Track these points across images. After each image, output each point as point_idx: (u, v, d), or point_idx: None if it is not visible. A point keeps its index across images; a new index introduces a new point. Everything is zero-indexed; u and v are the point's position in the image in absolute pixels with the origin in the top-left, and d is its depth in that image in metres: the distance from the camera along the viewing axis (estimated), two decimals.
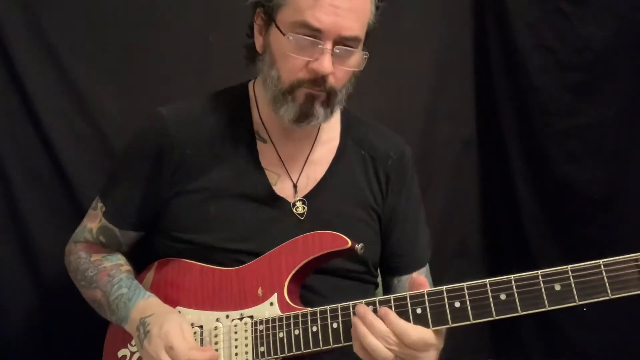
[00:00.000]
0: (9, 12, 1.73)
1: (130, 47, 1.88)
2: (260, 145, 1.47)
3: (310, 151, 1.49)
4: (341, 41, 1.31)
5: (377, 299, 1.24)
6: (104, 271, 1.47)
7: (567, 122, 2.16)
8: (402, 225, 1.55)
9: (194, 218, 1.43)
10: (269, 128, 1.47)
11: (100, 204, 1.51)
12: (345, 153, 1.52)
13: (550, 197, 2.21)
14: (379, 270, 1.59)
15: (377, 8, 1.38)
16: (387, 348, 1.18)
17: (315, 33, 1.30)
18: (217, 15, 1.93)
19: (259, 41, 1.41)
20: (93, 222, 1.52)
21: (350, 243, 1.31)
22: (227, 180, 1.43)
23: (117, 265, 1.49)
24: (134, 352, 1.42)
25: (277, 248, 1.37)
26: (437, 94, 2.25)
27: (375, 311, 1.22)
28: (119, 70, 1.87)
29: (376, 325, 1.20)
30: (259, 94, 1.47)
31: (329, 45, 1.30)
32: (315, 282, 1.41)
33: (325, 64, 1.30)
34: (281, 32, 1.32)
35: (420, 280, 1.27)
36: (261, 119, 1.47)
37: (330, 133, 1.52)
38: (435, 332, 1.20)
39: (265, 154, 1.47)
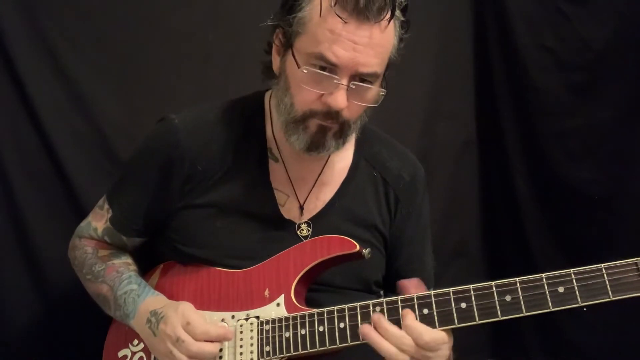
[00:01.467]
0: (9, 12, 1.73)
1: (131, 47, 1.87)
2: (271, 164, 1.45)
3: (321, 172, 1.47)
4: (358, 76, 1.27)
5: (384, 299, 1.26)
6: (112, 267, 1.46)
7: (567, 122, 2.16)
8: (409, 248, 1.54)
9: (199, 232, 1.42)
10: (281, 147, 1.44)
11: (107, 206, 1.50)
12: (356, 173, 1.49)
13: (550, 197, 2.21)
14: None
15: (400, 40, 1.33)
16: (401, 351, 1.20)
17: (331, 67, 1.26)
18: (217, 15, 1.93)
19: (275, 61, 1.36)
20: (99, 222, 1.51)
21: (358, 247, 1.32)
22: (236, 198, 1.42)
23: (125, 263, 1.49)
24: (135, 352, 1.42)
25: (285, 251, 1.38)
26: (437, 94, 2.26)
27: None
28: (119, 70, 1.87)
29: (390, 330, 1.21)
30: (274, 110, 1.43)
31: (344, 81, 1.26)
32: (316, 297, 1.40)
33: (340, 99, 1.26)
34: (297, 62, 1.28)
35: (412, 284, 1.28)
36: (274, 137, 1.44)
37: (342, 152, 1.47)
38: (446, 331, 1.22)
39: (276, 173, 1.45)
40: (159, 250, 1.51)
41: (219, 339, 1.31)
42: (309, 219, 1.44)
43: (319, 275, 1.39)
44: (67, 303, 1.65)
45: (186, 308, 1.32)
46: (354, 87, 1.27)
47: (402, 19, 1.32)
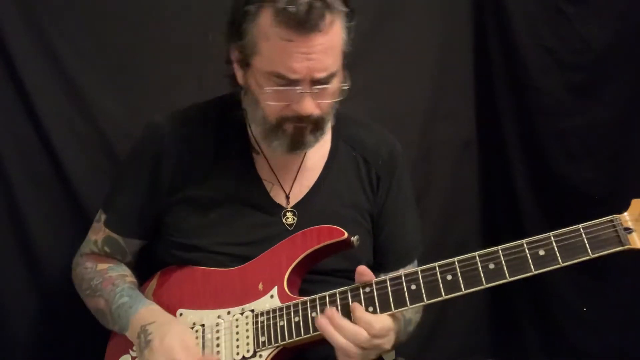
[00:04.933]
0: (9, 12, 1.73)
1: (131, 47, 1.87)
2: (255, 155, 1.50)
3: (303, 159, 1.51)
4: (317, 81, 1.32)
5: (373, 280, 1.30)
6: (109, 280, 1.49)
7: (567, 122, 2.16)
8: (390, 221, 1.57)
9: (193, 223, 1.46)
10: (260, 141, 1.48)
11: (103, 216, 1.54)
12: (337, 156, 1.54)
13: (550, 197, 2.21)
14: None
15: (348, 31, 1.36)
16: (356, 346, 1.24)
17: (291, 81, 1.31)
18: (217, 16, 1.93)
19: (239, 73, 1.41)
20: (97, 234, 1.55)
21: (346, 235, 1.36)
22: (226, 188, 1.46)
23: (122, 275, 1.51)
24: (135, 358, 1.43)
25: (277, 245, 1.42)
26: (437, 94, 2.25)
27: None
28: (119, 70, 1.87)
29: (345, 326, 1.25)
30: (249, 111, 1.47)
31: (307, 88, 1.32)
32: (311, 285, 1.42)
33: (307, 106, 1.33)
34: (258, 83, 1.34)
35: None
36: (252, 133, 1.49)
37: None
38: (392, 316, 1.29)
39: (260, 165, 1.50)
40: (158, 255, 1.53)
41: None
42: (294, 206, 1.48)
43: (313, 266, 1.42)
44: (68, 305, 1.64)
45: (173, 343, 1.33)
46: (317, 90, 1.32)
47: (345, 9, 1.34)
